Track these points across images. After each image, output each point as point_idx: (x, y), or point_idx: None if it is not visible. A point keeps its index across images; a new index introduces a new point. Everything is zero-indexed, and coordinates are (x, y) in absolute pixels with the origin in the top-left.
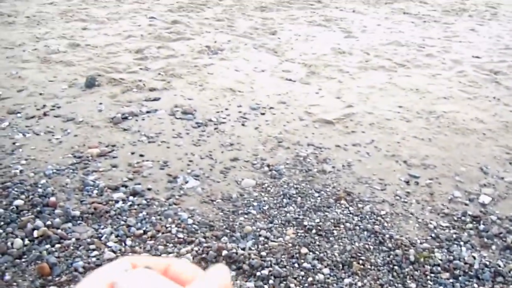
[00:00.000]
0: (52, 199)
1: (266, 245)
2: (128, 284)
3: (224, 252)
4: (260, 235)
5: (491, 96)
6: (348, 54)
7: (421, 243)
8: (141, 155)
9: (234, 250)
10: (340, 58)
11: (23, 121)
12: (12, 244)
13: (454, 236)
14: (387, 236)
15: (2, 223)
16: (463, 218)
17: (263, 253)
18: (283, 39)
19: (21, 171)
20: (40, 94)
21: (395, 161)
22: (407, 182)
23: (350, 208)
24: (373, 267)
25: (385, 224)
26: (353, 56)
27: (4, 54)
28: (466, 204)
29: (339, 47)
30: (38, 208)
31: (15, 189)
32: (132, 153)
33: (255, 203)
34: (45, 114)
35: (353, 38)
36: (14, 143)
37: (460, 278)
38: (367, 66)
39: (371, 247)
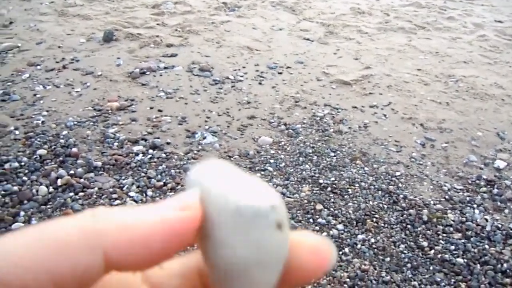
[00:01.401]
0: (74, 149)
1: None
2: (199, 173)
3: None
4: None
5: (511, 62)
6: (368, 14)
7: (434, 204)
8: (160, 110)
9: None
10: (359, 19)
11: (43, 73)
12: (37, 191)
13: (468, 198)
14: (401, 196)
15: (26, 171)
16: (477, 181)
17: None
18: None
19: (43, 122)
20: (59, 47)
21: (412, 124)
22: (423, 145)
23: (365, 168)
24: (386, 225)
25: (400, 184)
26: (373, 17)
27: (22, 6)
28: (481, 168)
29: (358, 7)
30: (61, 158)
31: (38, 139)
32: (151, 108)
33: (271, 160)
34: (64, 67)
35: None
36: (35, 95)
37: (471, 239)
38: (386, 27)
39: (385, 206)
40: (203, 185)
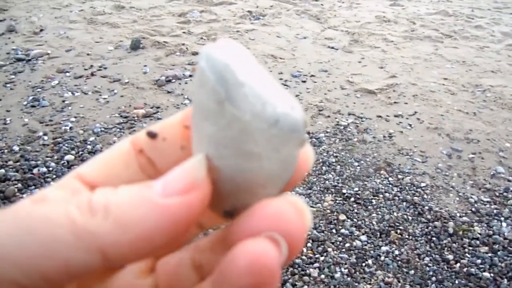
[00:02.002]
0: None
1: None
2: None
3: None
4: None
5: None
6: (393, 23)
7: (460, 217)
8: None
9: None
10: (384, 27)
11: (71, 80)
12: None
13: (495, 211)
14: (426, 207)
15: (54, 176)
16: (505, 194)
17: None
18: (326, 5)
19: (71, 128)
20: (88, 54)
21: (438, 134)
22: (449, 156)
23: (390, 179)
24: (410, 237)
25: (425, 196)
26: (398, 25)
27: (53, 14)
28: (509, 180)
29: (384, 15)
30: None
31: (66, 144)
32: None
33: None
34: (92, 74)
35: (398, 6)
36: (63, 101)
37: (499, 252)
38: (412, 36)
39: (410, 217)
40: (226, 77)
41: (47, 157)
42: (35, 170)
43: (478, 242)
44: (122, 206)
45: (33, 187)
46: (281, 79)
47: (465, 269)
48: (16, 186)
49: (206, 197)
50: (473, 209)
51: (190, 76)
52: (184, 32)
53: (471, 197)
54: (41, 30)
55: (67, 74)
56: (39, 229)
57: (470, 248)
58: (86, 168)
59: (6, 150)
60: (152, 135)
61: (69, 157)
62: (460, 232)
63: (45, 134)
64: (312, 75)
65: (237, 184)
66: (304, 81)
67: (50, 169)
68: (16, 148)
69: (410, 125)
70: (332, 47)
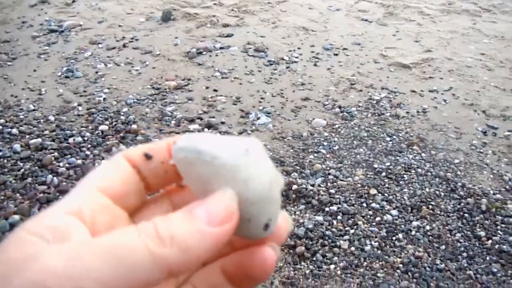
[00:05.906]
0: (134, 126)
1: (335, 184)
2: (187, 139)
3: (294, 187)
4: (329, 174)
5: None
6: None
7: (494, 194)
8: (215, 90)
9: (304, 186)
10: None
11: (104, 52)
12: (99, 165)
13: None
14: (459, 184)
15: (89, 145)
16: None
17: (332, 191)
18: None
19: (104, 99)
20: (119, 26)
21: (473, 110)
22: (484, 133)
23: (423, 154)
24: (442, 213)
25: (458, 172)
26: None
27: None
28: None
29: None
30: (121, 134)
31: (100, 115)
32: (207, 88)
33: (325, 143)
34: (124, 46)
35: None
36: (96, 72)
37: None
38: (449, 9)
39: (442, 193)
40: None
41: (82, 127)
42: (70, 140)
43: (511, 219)
44: (183, 236)
45: (69, 156)
46: (312, 52)
47: (496, 246)
48: (52, 154)
49: (236, 223)
50: (507, 186)
51: (221, 48)
52: (215, 4)
53: (506, 175)
54: (73, 1)
55: (100, 45)
56: (124, 257)
57: (503, 225)
58: (102, 183)
59: (42, 120)
60: (148, 157)
61: (103, 127)
62: (493, 209)
63: (79, 105)
64: (345, 48)
65: (251, 200)
66: (336, 54)
67: (85, 138)
68: (51, 118)
69: (445, 100)
70: (366, 20)
